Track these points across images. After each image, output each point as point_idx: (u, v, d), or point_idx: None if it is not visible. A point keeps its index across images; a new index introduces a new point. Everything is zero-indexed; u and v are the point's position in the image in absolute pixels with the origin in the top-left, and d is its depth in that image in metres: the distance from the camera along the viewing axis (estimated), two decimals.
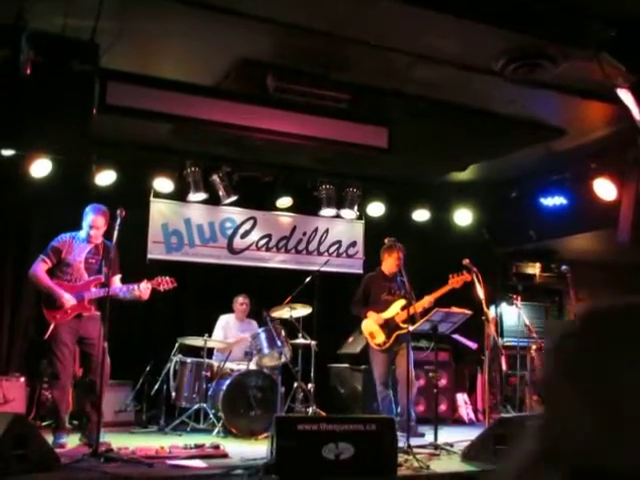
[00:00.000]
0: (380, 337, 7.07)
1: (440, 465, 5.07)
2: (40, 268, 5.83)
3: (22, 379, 7.25)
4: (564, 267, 7.17)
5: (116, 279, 6.04)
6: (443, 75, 6.21)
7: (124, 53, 5.78)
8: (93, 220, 5.94)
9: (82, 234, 6.00)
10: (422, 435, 6.74)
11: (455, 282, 6.83)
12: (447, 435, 6.37)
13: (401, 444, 4.99)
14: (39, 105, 5.45)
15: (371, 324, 7.13)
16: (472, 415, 8.97)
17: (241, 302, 8.22)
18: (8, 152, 7.22)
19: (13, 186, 7.70)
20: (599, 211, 8.16)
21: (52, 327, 5.74)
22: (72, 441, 5.75)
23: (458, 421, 8.83)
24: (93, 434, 5.24)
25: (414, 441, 5.57)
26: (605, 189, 7.93)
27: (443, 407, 8.66)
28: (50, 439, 5.37)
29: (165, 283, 6.03)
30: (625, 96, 5.47)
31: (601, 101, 6.53)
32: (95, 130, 6.18)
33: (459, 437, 6.14)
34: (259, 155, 8.29)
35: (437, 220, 9.73)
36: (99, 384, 5.33)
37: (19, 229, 7.95)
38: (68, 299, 5.75)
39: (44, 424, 6.81)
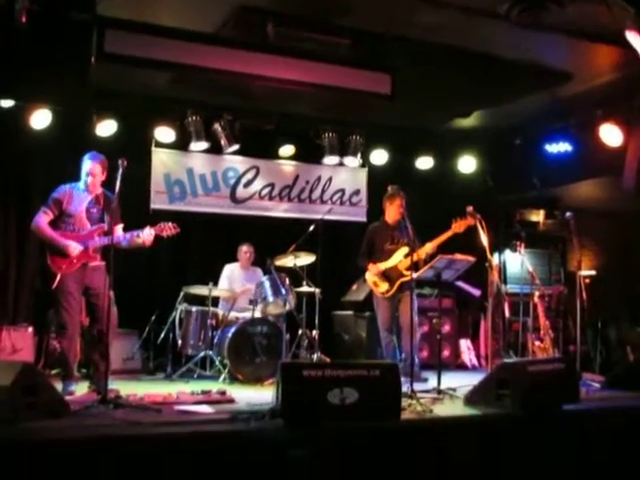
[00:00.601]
0: (383, 286, 7.11)
1: (443, 409, 5.12)
2: (42, 220, 5.81)
3: (30, 329, 7.33)
4: (568, 214, 7.13)
5: (118, 228, 6.04)
6: (447, 19, 6.10)
7: (120, 2, 5.69)
8: (90, 167, 5.90)
9: (81, 184, 5.97)
10: (425, 380, 6.81)
11: (458, 227, 6.82)
12: (450, 380, 6.42)
13: (405, 389, 5.04)
14: (37, 55, 5.39)
15: (372, 275, 7.19)
16: (475, 361, 9.06)
17: (245, 251, 8.24)
18: (7, 103, 7.18)
19: (14, 137, 7.67)
20: (604, 158, 8.11)
21: (59, 278, 5.77)
22: (81, 389, 5.82)
23: (461, 367, 8.92)
24: (102, 382, 5.31)
25: (417, 386, 5.63)
26: (611, 135, 7.87)
27: (446, 353, 8.75)
28: (59, 387, 5.44)
29: (168, 229, 6.02)
30: (634, 39, 5.37)
31: (609, 45, 6.42)
32: (95, 80, 6.13)
33: (462, 382, 6.19)
34: (260, 103, 8.21)
35: (441, 168, 9.68)
36: (106, 334, 5.38)
37: (21, 181, 7.93)
38: (74, 247, 5.75)
39: (53, 373, 6.91)
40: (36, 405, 4.22)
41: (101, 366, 5.66)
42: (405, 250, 6.99)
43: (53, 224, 5.84)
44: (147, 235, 5.92)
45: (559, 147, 8.68)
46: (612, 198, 8.74)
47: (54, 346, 7.22)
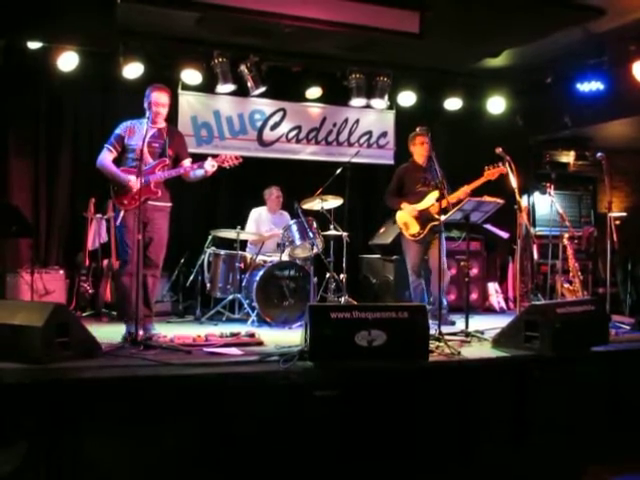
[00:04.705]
0: (414, 228, 7.08)
1: (471, 351, 5.13)
2: (106, 158, 5.80)
3: (61, 272, 7.44)
4: (599, 154, 6.98)
5: (186, 162, 6.04)
6: None
7: None
8: (155, 97, 5.84)
9: (145, 119, 5.88)
10: (453, 323, 6.83)
11: (490, 174, 6.73)
12: (478, 323, 6.44)
13: (432, 332, 5.05)
14: None
15: (405, 215, 7.13)
16: (503, 303, 9.04)
17: (277, 195, 8.19)
18: (35, 45, 7.14)
19: (42, 80, 7.68)
20: (638, 96, 7.92)
21: (122, 214, 5.76)
22: (113, 331, 5.86)
23: (489, 310, 8.91)
24: (148, 324, 5.62)
25: (445, 329, 5.63)
26: None
27: (474, 296, 8.72)
28: (90, 328, 5.47)
29: (230, 159, 6.07)
30: None
31: None
32: (120, 21, 6.03)
33: (490, 325, 6.20)
34: (287, 44, 8.07)
35: (470, 109, 9.53)
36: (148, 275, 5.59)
37: (50, 123, 7.93)
38: (134, 181, 5.72)
39: (84, 315, 7.02)
40: (68, 345, 4.30)
41: (144, 311, 5.71)
42: (436, 194, 6.93)
43: (119, 161, 5.85)
44: (209, 167, 5.94)
45: (591, 86, 8.47)
46: None
47: (84, 288, 7.35)
